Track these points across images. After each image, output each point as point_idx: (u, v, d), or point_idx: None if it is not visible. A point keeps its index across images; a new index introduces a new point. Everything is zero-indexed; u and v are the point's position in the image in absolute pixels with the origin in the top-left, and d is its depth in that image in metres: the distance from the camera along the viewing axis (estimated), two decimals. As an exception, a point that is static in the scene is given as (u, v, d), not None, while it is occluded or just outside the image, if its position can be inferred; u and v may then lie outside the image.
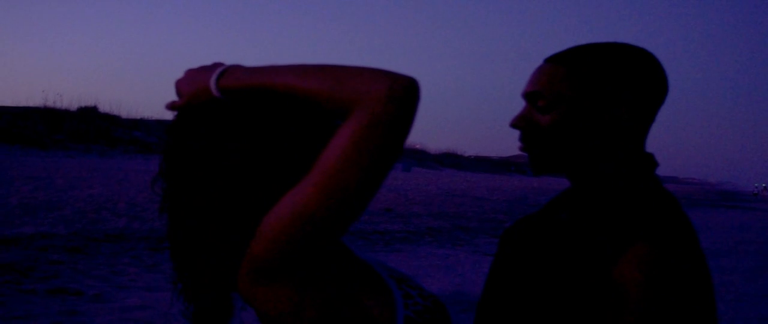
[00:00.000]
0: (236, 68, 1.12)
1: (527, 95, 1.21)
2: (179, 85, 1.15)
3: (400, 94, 0.99)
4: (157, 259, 7.14)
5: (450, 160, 38.66)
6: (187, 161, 1.13)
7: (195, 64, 1.17)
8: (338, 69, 1.04)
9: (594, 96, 1.16)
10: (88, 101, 25.67)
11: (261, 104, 1.11)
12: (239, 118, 1.12)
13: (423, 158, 32.93)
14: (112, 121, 25.00)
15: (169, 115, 1.20)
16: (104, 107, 25.57)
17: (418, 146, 40.31)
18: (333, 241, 1.06)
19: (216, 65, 1.13)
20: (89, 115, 24.39)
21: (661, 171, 1.94)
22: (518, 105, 1.26)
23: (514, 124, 1.22)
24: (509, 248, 1.21)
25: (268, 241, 1.05)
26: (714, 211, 27.04)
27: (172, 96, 1.18)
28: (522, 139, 1.22)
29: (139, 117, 26.15)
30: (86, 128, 23.01)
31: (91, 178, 14.43)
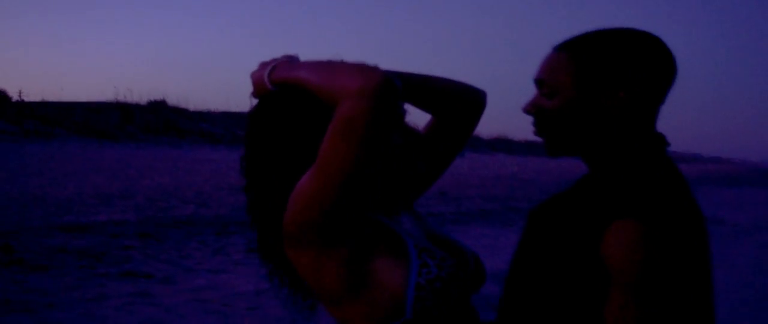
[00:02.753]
0: (283, 63, 1.23)
1: (535, 82, 1.23)
2: (251, 76, 1.28)
3: (372, 91, 1.09)
4: (222, 243, 7.26)
5: (501, 145, 37.94)
6: (251, 144, 1.29)
7: (259, 59, 1.30)
8: (333, 66, 1.16)
9: (592, 81, 1.17)
10: (157, 95, 26.16)
11: (300, 96, 1.22)
12: (284, 109, 1.24)
13: (475, 144, 32.52)
14: (180, 113, 25.46)
15: (233, 108, 1.34)
16: (172, 100, 25.98)
17: (470, 132, 39.42)
18: (340, 215, 1.16)
19: (281, 58, 1.25)
20: (158, 108, 24.92)
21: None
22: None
23: (526, 110, 1.24)
24: (531, 226, 1.23)
25: (288, 214, 1.18)
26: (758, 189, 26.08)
27: (237, 89, 1.34)
28: (534, 124, 1.24)
29: (205, 109, 26.59)
30: (156, 121, 23.54)
31: (161, 167, 14.72)
